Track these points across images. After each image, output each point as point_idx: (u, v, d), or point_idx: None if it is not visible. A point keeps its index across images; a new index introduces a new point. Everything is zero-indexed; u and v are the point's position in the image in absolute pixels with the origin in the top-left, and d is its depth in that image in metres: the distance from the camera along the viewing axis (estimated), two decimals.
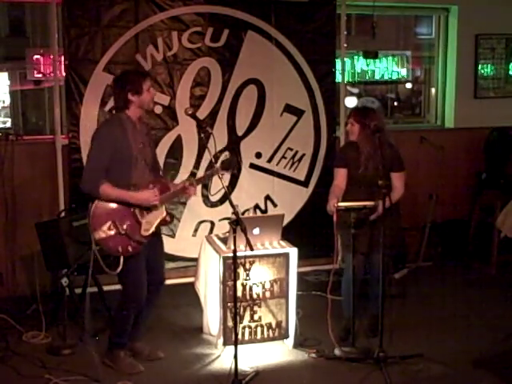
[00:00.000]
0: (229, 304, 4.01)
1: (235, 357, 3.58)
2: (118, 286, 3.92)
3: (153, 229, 3.75)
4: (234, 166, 3.82)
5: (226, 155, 3.76)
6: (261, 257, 4.10)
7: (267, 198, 5.60)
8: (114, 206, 3.64)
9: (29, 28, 13.84)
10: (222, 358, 4.05)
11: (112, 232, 3.59)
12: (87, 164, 3.75)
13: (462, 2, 6.23)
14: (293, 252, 4.19)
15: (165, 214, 3.82)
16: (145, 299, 3.82)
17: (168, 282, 4.22)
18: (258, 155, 5.53)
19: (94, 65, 4.99)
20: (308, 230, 5.59)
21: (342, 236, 4.21)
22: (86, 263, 4.52)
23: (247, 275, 3.98)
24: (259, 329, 4.17)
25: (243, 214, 4.84)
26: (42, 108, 11.90)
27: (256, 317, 4.16)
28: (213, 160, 3.99)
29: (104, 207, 3.60)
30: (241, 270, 3.96)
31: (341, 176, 4.26)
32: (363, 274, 4.35)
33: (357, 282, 4.16)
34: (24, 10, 13.81)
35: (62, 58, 5.00)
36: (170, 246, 4.80)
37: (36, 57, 5.61)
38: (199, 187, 5.28)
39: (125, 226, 3.63)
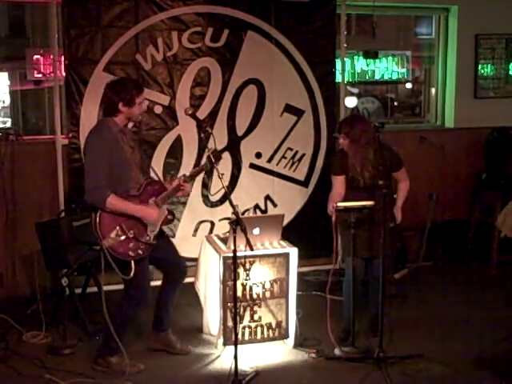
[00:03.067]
0: (229, 304, 4.01)
1: (235, 357, 3.58)
2: (118, 286, 3.91)
3: (157, 229, 3.76)
4: (218, 158, 3.83)
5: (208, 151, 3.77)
6: (261, 257, 4.10)
7: (267, 197, 5.60)
8: None
9: (29, 28, 13.83)
10: (221, 358, 4.05)
11: (122, 238, 3.57)
12: (87, 175, 3.57)
13: (461, 2, 6.22)
14: (293, 252, 4.19)
15: (166, 213, 3.85)
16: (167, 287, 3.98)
17: None
18: (258, 155, 5.53)
19: (93, 65, 4.99)
20: (308, 230, 5.58)
21: (341, 236, 4.20)
22: (86, 263, 4.56)
23: (247, 275, 3.98)
24: (259, 329, 4.17)
25: (243, 214, 4.84)
26: (42, 108, 11.89)
27: (256, 317, 4.15)
28: (213, 160, 4.01)
29: (109, 214, 3.55)
30: (241, 270, 3.96)
31: (339, 183, 4.22)
32: (363, 275, 4.34)
33: (357, 283, 4.15)
34: (24, 10, 13.80)
35: (62, 58, 5.01)
36: None
37: (36, 57, 5.60)
38: (199, 187, 5.31)
39: (132, 230, 3.62)
